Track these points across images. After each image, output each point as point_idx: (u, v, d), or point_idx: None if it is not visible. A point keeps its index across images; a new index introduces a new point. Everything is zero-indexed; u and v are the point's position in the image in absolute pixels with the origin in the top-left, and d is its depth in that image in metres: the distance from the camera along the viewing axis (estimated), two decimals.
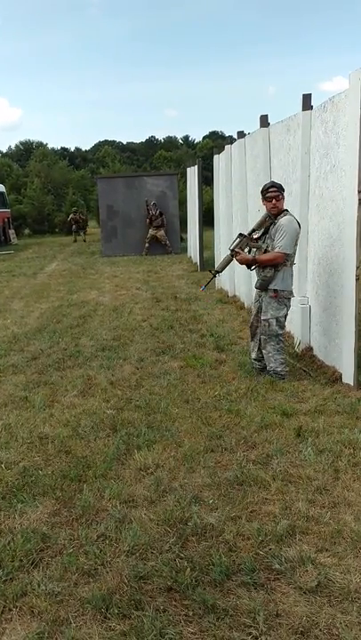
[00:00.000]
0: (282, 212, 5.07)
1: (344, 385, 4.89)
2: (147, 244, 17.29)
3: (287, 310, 5.15)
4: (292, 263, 5.09)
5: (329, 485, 3.35)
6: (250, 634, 2.28)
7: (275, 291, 5.06)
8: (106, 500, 3.31)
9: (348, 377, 4.87)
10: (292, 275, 5.13)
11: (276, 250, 4.98)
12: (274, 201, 5.04)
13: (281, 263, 5.00)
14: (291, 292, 5.14)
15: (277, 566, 2.66)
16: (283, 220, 5.01)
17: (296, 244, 5.07)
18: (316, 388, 4.93)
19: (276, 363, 5.15)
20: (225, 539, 2.88)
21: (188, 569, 2.65)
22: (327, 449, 3.77)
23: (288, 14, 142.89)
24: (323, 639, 2.24)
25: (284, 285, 5.07)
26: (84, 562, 2.76)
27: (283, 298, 5.08)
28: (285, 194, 6.48)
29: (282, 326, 5.15)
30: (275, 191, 5.05)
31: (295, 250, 5.10)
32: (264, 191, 5.11)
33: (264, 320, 5.17)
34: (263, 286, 5.14)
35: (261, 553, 2.76)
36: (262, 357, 5.31)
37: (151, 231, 17.17)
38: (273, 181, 5.46)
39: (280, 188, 5.09)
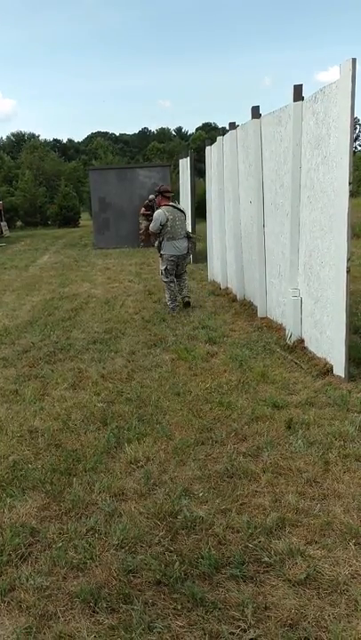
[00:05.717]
0: (160, 206, 8.13)
1: (335, 377, 4.90)
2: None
3: (168, 266, 7.96)
4: (171, 238, 7.88)
5: (319, 477, 3.35)
6: (238, 627, 2.28)
7: (161, 254, 8.07)
8: (95, 493, 3.30)
9: (340, 369, 4.87)
10: (170, 245, 7.93)
11: None
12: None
13: (162, 238, 7.88)
14: (169, 256, 7.95)
15: (267, 559, 2.66)
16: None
17: (164, 226, 7.83)
18: (308, 380, 4.94)
19: (166, 299, 8.15)
20: (214, 532, 2.88)
21: (178, 562, 2.65)
22: (318, 441, 3.77)
23: (284, 3, 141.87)
24: (311, 632, 2.24)
25: (164, 251, 7.99)
26: (73, 556, 2.75)
27: (164, 259, 8.00)
28: (277, 185, 6.52)
29: (166, 276, 7.99)
30: None
31: (168, 231, 7.85)
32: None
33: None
34: (158, 250, 8.17)
35: (251, 546, 2.76)
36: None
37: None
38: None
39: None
